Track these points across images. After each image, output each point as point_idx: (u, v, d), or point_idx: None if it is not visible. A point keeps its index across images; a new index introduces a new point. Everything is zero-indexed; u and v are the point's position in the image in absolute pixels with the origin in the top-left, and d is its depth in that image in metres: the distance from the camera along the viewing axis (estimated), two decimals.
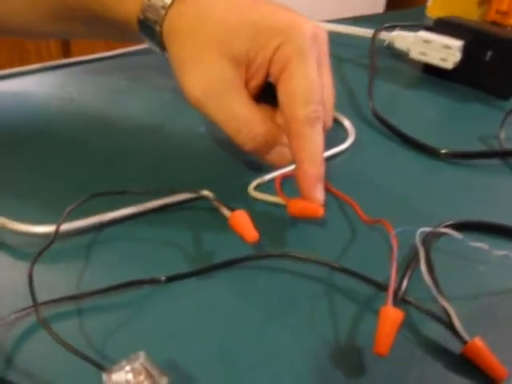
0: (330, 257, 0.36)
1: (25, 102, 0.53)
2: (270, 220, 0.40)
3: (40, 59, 1.56)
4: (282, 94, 0.35)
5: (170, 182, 0.42)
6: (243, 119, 0.36)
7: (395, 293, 0.32)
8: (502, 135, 0.51)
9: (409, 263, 0.35)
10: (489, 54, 0.58)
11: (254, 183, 0.42)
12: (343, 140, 0.49)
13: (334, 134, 0.49)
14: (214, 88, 0.36)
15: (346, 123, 0.52)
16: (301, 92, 0.34)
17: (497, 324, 0.33)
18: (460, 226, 0.38)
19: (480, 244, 0.34)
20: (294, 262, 0.36)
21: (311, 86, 0.34)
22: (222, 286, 0.34)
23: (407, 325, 0.32)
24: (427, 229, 0.34)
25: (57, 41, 1.59)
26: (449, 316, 0.31)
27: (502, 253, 0.34)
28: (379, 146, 0.50)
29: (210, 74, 0.35)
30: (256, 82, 0.37)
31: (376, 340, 0.30)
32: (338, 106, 0.48)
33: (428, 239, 0.36)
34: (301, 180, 0.35)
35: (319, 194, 0.35)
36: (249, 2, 0.36)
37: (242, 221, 0.36)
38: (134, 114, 0.52)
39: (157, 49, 0.39)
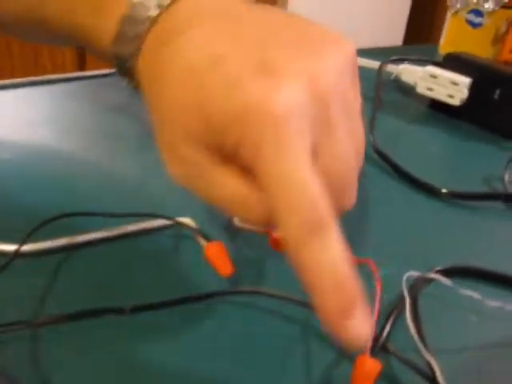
0: None
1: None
2: (252, 252, 0.37)
3: (54, 71, 1.57)
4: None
5: (151, 205, 0.40)
6: (235, 200, 0.26)
7: (375, 341, 0.30)
8: (507, 177, 0.49)
9: (393, 309, 0.32)
10: (497, 92, 0.56)
11: None
12: None
13: None
14: (189, 172, 0.27)
15: None
16: (281, 201, 0.23)
17: (488, 383, 0.30)
18: (453, 271, 0.35)
19: (472, 293, 0.31)
20: (269, 299, 0.33)
21: (294, 190, 0.23)
22: (189, 321, 0.32)
23: (387, 376, 0.30)
24: (415, 273, 0.31)
25: (72, 54, 1.60)
26: (432, 371, 0.28)
27: (495, 304, 0.31)
28: (377, 181, 0.48)
29: (182, 159, 0.27)
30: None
31: None
32: None
33: (416, 284, 0.33)
34: (319, 312, 0.23)
35: (354, 330, 0.22)
36: (206, 64, 0.25)
37: (217, 253, 0.34)
38: (121, 133, 0.51)
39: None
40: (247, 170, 0.25)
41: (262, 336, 0.31)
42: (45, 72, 1.60)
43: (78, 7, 0.31)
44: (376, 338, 0.30)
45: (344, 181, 0.26)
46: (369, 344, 0.28)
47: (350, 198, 0.27)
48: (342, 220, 0.39)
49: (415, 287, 0.33)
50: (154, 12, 0.28)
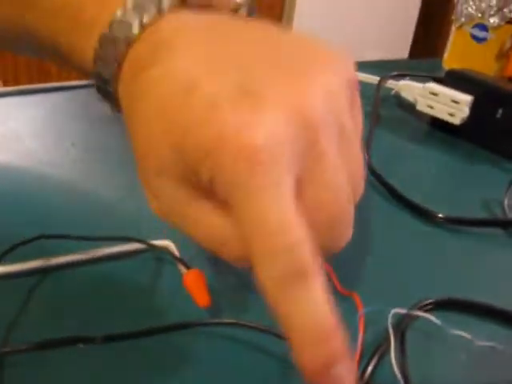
0: None
1: None
2: (234, 278, 0.36)
3: (59, 77, 1.56)
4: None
5: (129, 226, 0.39)
6: (210, 237, 0.24)
7: (357, 380, 0.28)
8: (506, 202, 0.47)
9: (378, 347, 0.30)
10: (500, 111, 0.54)
11: None
12: None
13: None
14: (168, 210, 0.25)
15: None
16: (256, 247, 0.21)
17: None
18: (444, 304, 0.34)
19: (461, 332, 0.29)
20: (249, 330, 0.31)
21: (270, 235, 0.21)
22: (164, 352, 0.30)
23: None
24: (401, 310, 0.29)
25: None
26: None
27: (486, 344, 0.30)
28: (369, 202, 0.46)
29: (157, 195, 0.25)
30: None
31: None
32: None
33: (403, 321, 0.32)
34: (300, 367, 0.21)
35: None
36: (180, 96, 0.22)
37: (195, 282, 0.33)
38: (108, 146, 0.49)
39: None
40: (227, 206, 0.22)
41: (241, 369, 0.30)
42: (49, 77, 1.60)
43: (60, 22, 0.29)
44: (358, 377, 0.28)
45: (336, 214, 0.23)
46: None
47: (344, 235, 0.24)
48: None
49: (402, 324, 0.31)
50: (133, 32, 0.26)
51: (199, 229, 0.24)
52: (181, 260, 0.35)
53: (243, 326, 0.32)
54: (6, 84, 1.29)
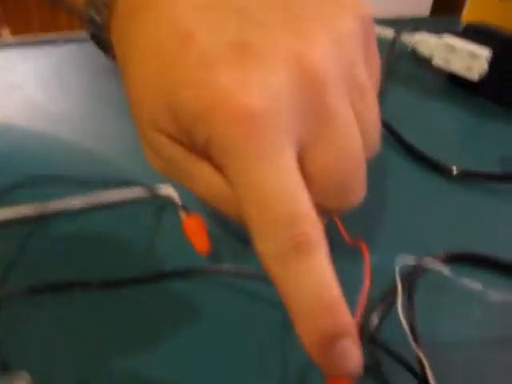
0: None
1: None
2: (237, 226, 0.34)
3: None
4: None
5: (130, 172, 0.37)
6: (210, 193, 0.23)
7: (361, 331, 0.27)
8: None
9: (384, 299, 0.29)
10: None
11: None
12: None
13: None
14: (165, 164, 0.24)
15: None
16: (253, 216, 0.19)
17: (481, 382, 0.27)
18: (456, 258, 0.32)
19: (473, 283, 0.28)
20: (249, 279, 0.30)
21: (268, 203, 0.19)
22: (160, 299, 0.29)
23: (374, 371, 0.27)
24: (410, 259, 0.28)
25: None
26: (422, 367, 0.25)
27: (498, 298, 0.28)
28: (383, 157, 0.45)
29: (154, 149, 0.24)
30: None
31: None
32: None
33: (414, 271, 0.30)
34: (303, 341, 0.19)
35: (343, 361, 0.19)
36: (175, 43, 0.21)
37: (195, 228, 0.32)
38: (111, 96, 0.48)
39: None
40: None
41: (241, 317, 0.29)
42: (59, 29, 1.56)
43: None
44: (362, 329, 0.27)
45: (346, 178, 0.21)
46: None
47: (355, 197, 0.22)
48: None
49: (411, 275, 0.30)
50: None
51: (198, 185, 0.23)
52: (183, 207, 0.34)
53: (243, 274, 0.30)
54: (15, 34, 1.28)
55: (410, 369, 0.26)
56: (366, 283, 0.27)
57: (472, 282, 0.28)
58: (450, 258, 0.31)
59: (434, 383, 0.25)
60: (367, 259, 0.29)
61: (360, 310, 0.26)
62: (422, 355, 0.25)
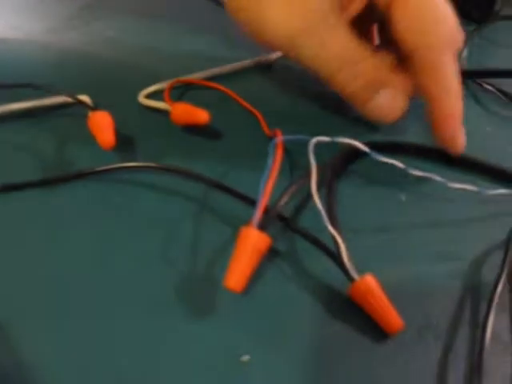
0: (215, 174, 0.28)
1: None
2: (157, 130, 0.32)
3: None
4: (403, 19, 0.27)
5: (47, 84, 0.34)
6: (345, 56, 0.27)
7: (266, 212, 0.25)
8: None
9: (298, 180, 0.27)
10: None
11: (147, 90, 0.35)
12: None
13: None
14: (309, 23, 0.27)
15: None
16: (431, 13, 0.26)
17: (404, 263, 0.25)
18: (379, 145, 0.30)
19: (394, 161, 0.26)
20: (167, 176, 0.28)
21: (440, 5, 0.27)
22: (68, 199, 0.27)
23: (287, 255, 0.25)
24: (325, 138, 0.26)
25: None
26: (337, 247, 0.24)
27: (420, 174, 0.26)
28: None
29: (303, 5, 0.26)
30: (355, 6, 0.28)
31: (228, 270, 0.22)
32: None
33: (336, 158, 0.28)
34: (441, 121, 0.28)
35: (463, 137, 0.28)
36: None
37: (101, 123, 0.29)
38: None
39: None
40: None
41: (151, 214, 0.27)
42: None
43: None
44: (267, 210, 0.25)
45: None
46: (258, 213, 0.23)
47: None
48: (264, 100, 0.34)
49: (332, 160, 0.28)
50: None
51: (331, 48, 0.27)
52: (93, 108, 0.31)
53: (156, 169, 0.28)
54: None
55: (324, 249, 0.24)
56: (276, 160, 0.25)
57: (394, 162, 0.26)
58: (372, 145, 0.28)
59: (348, 262, 0.23)
60: (279, 138, 0.26)
61: (269, 188, 0.24)
62: (336, 233, 0.23)
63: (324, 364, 0.21)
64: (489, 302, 0.22)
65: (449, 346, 0.22)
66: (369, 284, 0.23)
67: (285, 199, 0.25)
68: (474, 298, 0.24)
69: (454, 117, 0.27)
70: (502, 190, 0.27)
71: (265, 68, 0.39)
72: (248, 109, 0.33)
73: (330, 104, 0.34)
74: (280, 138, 0.26)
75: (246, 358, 0.21)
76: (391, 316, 0.22)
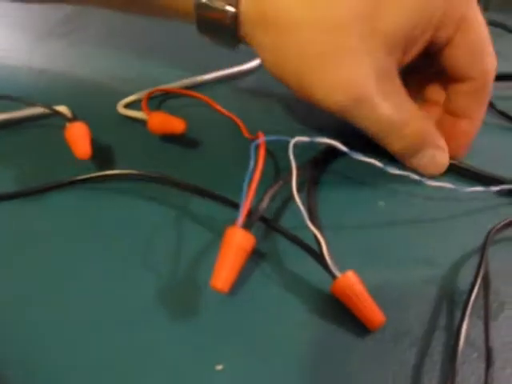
0: (195, 180, 0.29)
1: None
2: (136, 139, 0.32)
3: None
4: (463, 52, 0.28)
5: (27, 95, 0.34)
6: (395, 120, 0.27)
7: (249, 214, 0.25)
8: None
9: (280, 179, 0.27)
10: None
11: (126, 100, 0.35)
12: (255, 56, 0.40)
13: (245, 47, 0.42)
14: (366, 89, 0.26)
15: None
16: (486, 40, 0.28)
17: (381, 266, 0.26)
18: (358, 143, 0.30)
19: (372, 160, 0.26)
20: (144, 183, 0.28)
21: (487, 32, 0.28)
22: (46, 210, 0.27)
23: (270, 256, 0.25)
24: (305, 138, 0.26)
25: None
26: (319, 245, 0.24)
27: (398, 172, 0.27)
28: None
29: (358, 70, 0.26)
30: (410, 56, 0.28)
31: (214, 271, 0.22)
32: None
33: (319, 157, 0.29)
34: (464, 138, 0.30)
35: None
36: None
37: (77, 134, 0.29)
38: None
39: (224, 40, 0.28)
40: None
41: (130, 220, 0.27)
42: None
43: None
44: (250, 211, 0.25)
45: None
46: (243, 213, 0.24)
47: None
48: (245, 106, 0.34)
49: (315, 160, 0.28)
50: None
51: (385, 113, 0.27)
52: (71, 119, 0.31)
53: (135, 175, 0.28)
54: None
55: (306, 248, 0.24)
56: (260, 162, 0.26)
57: (372, 161, 0.27)
58: (352, 144, 0.29)
59: (330, 260, 0.23)
60: (261, 138, 0.27)
61: (252, 190, 0.24)
62: (317, 232, 0.24)
63: (306, 367, 0.21)
64: (463, 308, 0.22)
65: (424, 351, 0.22)
66: (350, 280, 0.23)
67: (266, 201, 0.25)
68: (450, 303, 0.23)
69: (474, 135, 0.30)
70: (479, 188, 0.27)
71: (241, 77, 0.39)
72: (226, 115, 0.33)
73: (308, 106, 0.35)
74: (262, 139, 0.26)
75: (220, 367, 0.21)
76: (373, 312, 0.22)
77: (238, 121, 0.32)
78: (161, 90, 0.35)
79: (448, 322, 0.23)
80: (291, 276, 0.25)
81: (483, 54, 0.28)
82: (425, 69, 0.31)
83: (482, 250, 0.25)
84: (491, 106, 0.36)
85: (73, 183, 0.28)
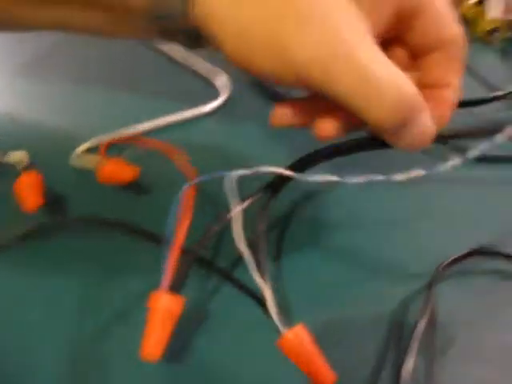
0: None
1: None
2: (88, 188, 0.31)
3: None
4: (430, 20, 0.27)
5: None
6: (386, 79, 0.24)
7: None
8: None
9: (220, 216, 0.25)
10: None
11: (82, 148, 0.33)
12: (214, 98, 0.38)
13: (203, 90, 0.39)
14: (342, 48, 0.23)
15: (220, 80, 0.40)
16: (450, 6, 0.28)
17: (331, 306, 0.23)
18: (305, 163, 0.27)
19: (325, 177, 0.23)
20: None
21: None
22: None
23: (215, 303, 0.23)
24: (245, 171, 0.23)
25: None
26: (264, 298, 0.21)
27: (355, 180, 0.23)
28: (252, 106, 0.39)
29: (335, 30, 0.23)
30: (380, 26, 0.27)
31: (143, 341, 0.21)
32: (213, 60, 0.39)
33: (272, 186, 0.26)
34: (447, 105, 0.29)
35: None
36: None
37: (28, 185, 0.28)
38: None
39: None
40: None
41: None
42: None
43: None
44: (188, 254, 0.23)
45: None
46: (168, 273, 0.22)
47: None
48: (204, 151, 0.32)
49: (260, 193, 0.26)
50: None
51: (367, 74, 0.24)
52: (26, 168, 0.30)
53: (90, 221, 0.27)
54: None
55: (255, 298, 0.22)
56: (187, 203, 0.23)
57: (326, 178, 0.23)
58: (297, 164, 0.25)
59: (275, 315, 0.21)
60: (194, 180, 0.24)
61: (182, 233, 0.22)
62: (261, 281, 0.21)
63: None
64: (406, 347, 0.22)
65: None
66: (297, 338, 0.20)
67: (205, 242, 0.23)
68: (397, 340, 0.23)
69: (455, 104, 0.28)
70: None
71: (202, 118, 0.37)
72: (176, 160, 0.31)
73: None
74: (191, 182, 0.24)
75: None
76: (321, 372, 0.20)
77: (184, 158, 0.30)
78: (115, 141, 0.33)
79: (395, 359, 0.22)
80: (239, 325, 0.23)
81: (451, 18, 0.28)
82: (395, 52, 0.28)
83: (429, 287, 0.24)
84: None
85: (21, 237, 0.27)
